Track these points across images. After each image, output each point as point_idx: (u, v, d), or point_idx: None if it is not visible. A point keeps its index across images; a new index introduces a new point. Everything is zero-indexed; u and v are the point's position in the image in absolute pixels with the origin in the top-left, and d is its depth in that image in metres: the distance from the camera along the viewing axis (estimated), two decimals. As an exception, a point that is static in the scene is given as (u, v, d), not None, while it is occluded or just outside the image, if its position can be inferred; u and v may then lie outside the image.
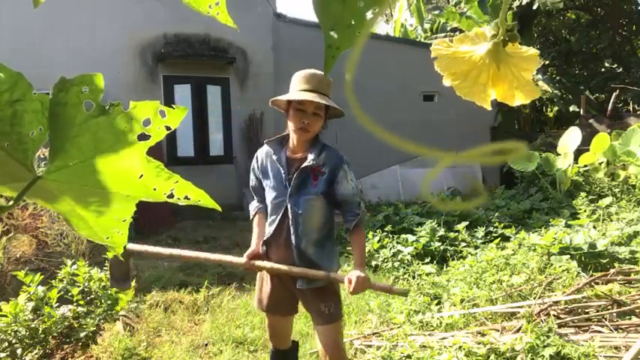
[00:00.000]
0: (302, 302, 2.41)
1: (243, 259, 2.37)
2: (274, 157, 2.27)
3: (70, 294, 3.26)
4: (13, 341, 2.93)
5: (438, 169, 0.42)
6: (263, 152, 2.37)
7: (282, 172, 2.23)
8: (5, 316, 2.93)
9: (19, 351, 2.90)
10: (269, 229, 2.31)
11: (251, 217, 2.49)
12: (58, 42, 7.77)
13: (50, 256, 4.49)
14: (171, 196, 0.42)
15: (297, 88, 2.23)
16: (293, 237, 2.23)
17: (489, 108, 0.47)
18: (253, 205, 2.48)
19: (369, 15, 0.38)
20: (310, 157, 2.18)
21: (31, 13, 7.05)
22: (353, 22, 0.36)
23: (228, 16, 0.48)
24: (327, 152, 2.23)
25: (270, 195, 2.28)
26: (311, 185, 2.20)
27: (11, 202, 0.40)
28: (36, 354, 2.93)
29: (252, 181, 2.44)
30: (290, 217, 2.21)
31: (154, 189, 0.42)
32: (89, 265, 3.51)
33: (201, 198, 0.43)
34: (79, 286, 3.28)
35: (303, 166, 2.19)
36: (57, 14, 7.39)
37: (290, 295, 2.39)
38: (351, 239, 2.30)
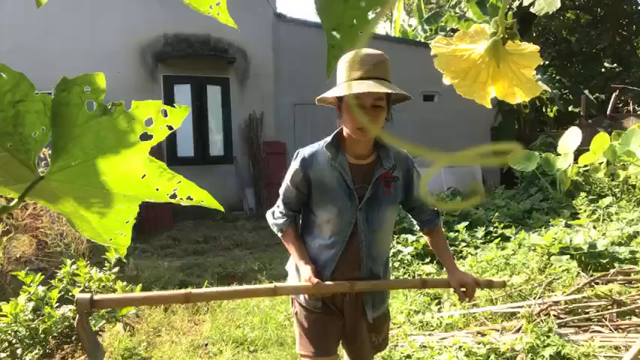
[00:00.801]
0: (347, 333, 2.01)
1: (307, 283, 1.82)
2: (334, 164, 1.83)
3: (70, 294, 3.26)
4: (13, 341, 2.93)
5: (434, 170, 0.42)
6: (317, 156, 1.88)
7: (348, 182, 1.82)
8: (5, 316, 2.93)
9: (19, 351, 2.90)
10: (329, 253, 1.86)
11: (279, 230, 1.98)
12: (58, 42, 7.77)
13: (50, 256, 4.49)
14: (174, 196, 0.42)
15: (348, 77, 1.74)
16: (364, 260, 1.85)
17: (489, 106, 0.47)
18: (281, 218, 1.96)
19: (371, 15, 0.38)
20: (384, 162, 1.83)
21: (31, 13, 7.05)
22: (355, 22, 0.36)
23: (228, 15, 0.48)
24: (394, 152, 1.88)
25: (327, 210, 1.83)
26: (384, 195, 1.84)
27: (13, 203, 0.40)
28: (36, 354, 2.93)
29: (288, 190, 1.92)
30: (361, 236, 1.83)
31: (157, 189, 0.42)
32: (89, 265, 3.50)
33: (204, 198, 0.43)
34: (79, 286, 3.27)
35: (377, 174, 1.83)
36: (57, 14, 7.39)
37: (343, 330, 1.98)
38: (435, 239, 2.02)
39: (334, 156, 1.84)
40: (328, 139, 1.89)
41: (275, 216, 2.00)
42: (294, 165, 1.91)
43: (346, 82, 1.74)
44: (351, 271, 1.86)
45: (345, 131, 1.85)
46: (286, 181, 1.95)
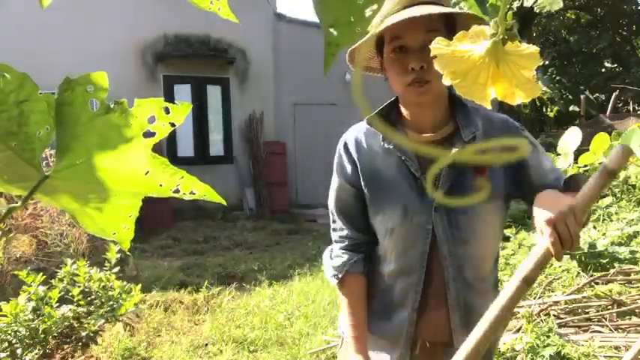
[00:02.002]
0: None
1: None
2: (388, 145, 1.22)
3: (70, 294, 3.26)
4: (13, 341, 2.93)
5: (439, 165, 0.43)
6: (364, 137, 1.28)
7: (412, 169, 1.21)
8: (5, 316, 2.93)
9: (19, 351, 2.90)
10: (404, 283, 1.26)
11: (332, 276, 1.33)
12: (58, 42, 7.77)
13: (50, 256, 4.49)
14: (177, 191, 0.43)
15: (389, 12, 1.10)
16: (452, 289, 1.23)
17: (489, 107, 0.47)
18: (339, 256, 1.32)
19: (368, 12, 0.38)
20: (464, 132, 1.18)
21: (31, 13, 7.05)
22: (352, 19, 0.37)
23: (229, 10, 0.48)
24: (482, 115, 1.22)
25: (387, 215, 1.23)
26: (473, 183, 1.18)
27: (20, 202, 0.41)
28: (36, 354, 2.94)
29: (339, 197, 1.32)
30: (443, 252, 1.21)
31: (160, 185, 0.42)
32: (89, 265, 3.51)
33: (206, 193, 0.43)
34: (79, 286, 3.28)
35: (454, 151, 1.15)
36: (57, 14, 7.39)
37: None
38: None
39: (386, 134, 1.21)
40: (376, 112, 1.25)
41: (333, 254, 1.34)
42: (336, 157, 1.32)
43: (385, 17, 1.09)
44: (437, 307, 1.24)
45: (400, 98, 1.25)
46: (332, 188, 1.33)
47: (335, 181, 1.32)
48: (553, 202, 0.96)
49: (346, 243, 1.32)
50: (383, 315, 1.30)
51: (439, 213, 1.20)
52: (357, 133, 1.30)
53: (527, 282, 0.76)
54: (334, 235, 1.35)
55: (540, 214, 0.96)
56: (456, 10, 1.12)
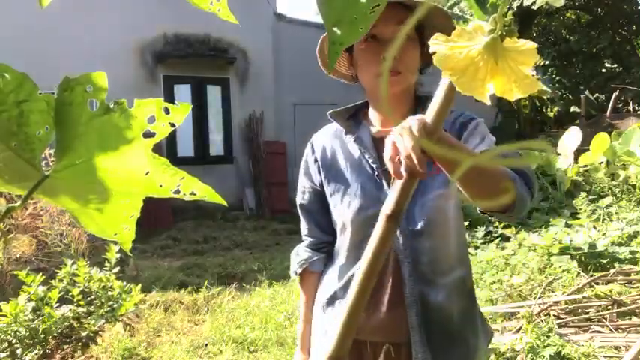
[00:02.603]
0: None
1: None
2: (349, 139, 1.26)
3: (70, 294, 3.26)
4: (13, 341, 2.93)
5: (460, 172, 0.43)
6: (326, 136, 1.32)
7: (370, 161, 1.22)
8: (5, 316, 2.93)
9: (19, 351, 2.90)
10: (346, 280, 1.23)
11: (293, 271, 1.38)
12: (58, 42, 7.78)
13: (50, 256, 4.50)
14: (177, 192, 0.43)
15: None
16: (408, 285, 1.17)
17: (488, 102, 0.48)
18: (300, 255, 1.37)
19: (371, 11, 0.38)
20: None
21: (31, 13, 7.05)
22: (356, 18, 0.37)
23: (229, 12, 0.49)
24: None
25: (347, 209, 1.22)
26: (429, 175, 1.12)
27: (19, 202, 0.41)
28: (36, 354, 2.94)
29: (304, 196, 1.34)
30: (398, 245, 1.18)
31: (161, 185, 0.42)
32: (89, 265, 3.51)
33: (207, 193, 0.43)
34: (79, 286, 3.28)
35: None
36: (57, 14, 7.39)
37: None
38: None
39: (350, 128, 1.26)
40: (342, 108, 1.29)
41: (298, 251, 1.39)
42: (305, 156, 1.35)
43: None
44: (385, 303, 1.18)
45: (367, 92, 1.26)
46: (298, 187, 1.36)
47: (300, 180, 1.36)
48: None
49: (309, 241, 1.36)
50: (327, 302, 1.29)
51: None
52: (324, 132, 1.34)
53: (393, 217, 0.64)
54: (302, 233, 1.39)
55: None
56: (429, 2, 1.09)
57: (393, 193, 0.63)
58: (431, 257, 1.18)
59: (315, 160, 1.30)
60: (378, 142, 1.23)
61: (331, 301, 1.26)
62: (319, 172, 1.29)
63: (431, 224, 1.17)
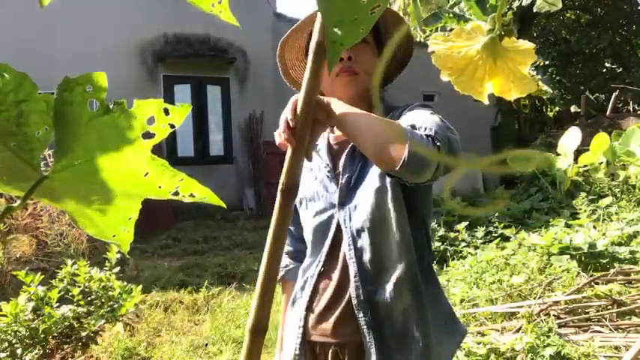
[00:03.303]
0: None
1: None
2: (316, 149, 1.29)
3: (70, 294, 3.26)
4: (13, 341, 2.93)
5: (457, 176, 0.43)
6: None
7: (324, 165, 1.25)
8: (5, 316, 2.93)
9: (19, 351, 2.90)
10: (303, 283, 1.27)
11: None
12: (58, 42, 7.77)
13: (50, 256, 4.49)
14: (176, 193, 0.43)
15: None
16: (354, 284, 1.16)
17: (486, 102, 0.48)
18: (281, 262, 1.26)
19: (371, 12, 0.38)
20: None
21: (31, 13, 7.05)
22: (356, 18, 0.37)
23: (230, 13, 0.48)
24: (390, 109, 1.24)
25: (306, 213, 1.27)
26: (372, 169, 1.18)
27: (18, 202, 0.41)
28: (36, 354, 2.93)
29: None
30: (345, 245, 1.19)
31: (160, 187, 0.42)
32: (89, 265, 3.51)
33: (206, 195, 0.43)
34: (79, 286, 3.28)
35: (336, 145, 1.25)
36: (57, 14, 7.39)
37: None
38: None
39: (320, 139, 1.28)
40: None
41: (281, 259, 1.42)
42: None
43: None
44: (343, 308, 1.18)
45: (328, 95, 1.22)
46: None
47: None
48: None
49: (287, 249, 1.35)
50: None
51: (344, 205, 1.20)
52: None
53: (286, 191, 0.64)
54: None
55: None
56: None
57: (284, 169, 0.67)
58: (374, 255, 1.17)
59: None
60: (333, 147, 1.28)
61: (293, 301, 1.30)
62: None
63: (370, 221, 1.16)
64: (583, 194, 6.67)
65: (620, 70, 14.86)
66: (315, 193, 1.25)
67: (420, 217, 1.21)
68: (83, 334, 3.16)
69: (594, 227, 5.50)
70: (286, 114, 0.90)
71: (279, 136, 0.92)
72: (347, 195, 1.20)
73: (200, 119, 8.95)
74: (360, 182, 1.19)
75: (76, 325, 3.21)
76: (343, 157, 1.23)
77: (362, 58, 1.17)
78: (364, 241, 1.17)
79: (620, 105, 14.11)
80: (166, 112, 0.42)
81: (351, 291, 1.16)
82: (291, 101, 0.91)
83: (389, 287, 1.15)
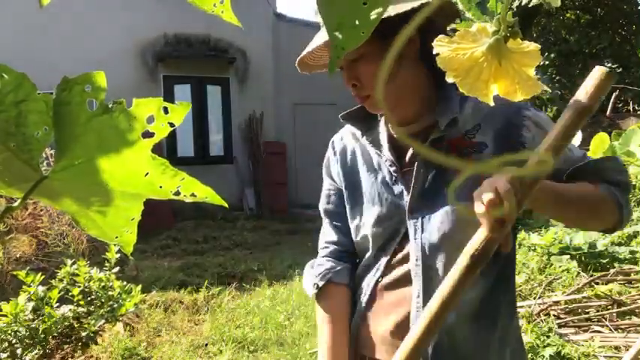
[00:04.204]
0: None
1: None
2: (365, 140, 1.12)
3: (70, 294, 3.26)
4: (13, 341, 2.93)
5: (460, 180, 0.43)
6: (346, 135, 1.21)
7: (387, 164, 1.08)
8: (5, 316, 2.93)
9: (19, 351, 2.90)
10: (364, 295, 1.11)
11: (313, 289, 1.15)
12: (58, 42, 7.77)
13: (50, 256, 4.49)
14: (177, 193, 0.43)
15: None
16: (415, 303, 1.02)
17: (492, 104, 0.48)
18: (320, 265, 1.17)
19: (372, 15, 0.38)
20: (441, 121, 1.00)
21: (31, 13, 7.05)
22: (357, 22, 0.37)
23: (232, 14, 0.48)
24: (476, 104, 1.02)
25: (365, 220, 1.10)
26: (452, 174, 1.00)
27: (17, 203, 0.40)
28: (36, 354, 2.93)
29: (329, 200, 1.22)
30: (414, 257, 1.03)
31: (160, 186, 0.42)
32: (89, 265, 3.51)
33: (207, 195, 0.43)
34: (79, 286, 3.28)
35: (431, 139, 1.01)
36: (57, 15, 7.39)
37: None
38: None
39: (367, 128, 1.12)
40: (356, 107, 1.14)
41: (315, 263, 1.20)
42: (326, 158, 1.25)
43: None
44: (400, 325, 1.04)
45: None
46: (324, 188, 1.24)
47: (324, 183, 1.24)
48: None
49: (330, 249, 1.19)
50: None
51: (414, 213, 1.03)
52: (344, 132, 1.22)
53: (473, 259, 0.64)
54: (320, 242, 1.23)
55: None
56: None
57: (479, 235, 0.64)
58: (443, 275, 0.97)
59: (336, 161, 1.20)
60: (395, 143, 1.09)
61: (348, 308, 1.15)
62: (340, 172, 1.18)
63: (448, 237, 1.00)
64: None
65: (620, 70, 14.85)
66: (376, 194, 1.09)
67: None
68: (83, 334, 3.16)
69: (594, 227, 5.48)
70: (507, 186, 0.71)
71: (490, 206, 0.72)
72: (419, 202, 1.03)
73: (200, 119, 8.95)
74: (436, 188, 1.02)
75: (76, 325, 3.21)
76: (410, 154, 1.06)
77: (365, 80, 1.02)
78: (437, 257, 1.01)
79: (620, 105, 14.10)
80: (166, 110, 0.42)
81: (412, 311, 1.01)
82: (496, 183, 0.73)
83: (456, 310, 0.98)
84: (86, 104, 0.41)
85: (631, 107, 13.94)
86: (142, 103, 0.42)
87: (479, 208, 0.74)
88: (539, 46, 0.47)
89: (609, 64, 15.63)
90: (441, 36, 0.47)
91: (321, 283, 1.13)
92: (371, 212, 1.08)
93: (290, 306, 4.15)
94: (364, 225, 1.10)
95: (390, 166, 1.07)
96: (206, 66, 8.88)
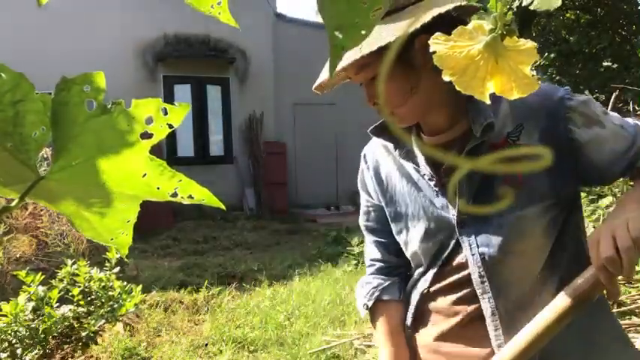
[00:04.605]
0: None
1: None
2: (398, 153, 1.06)
3: (70, 294, 3.26)
4: (13, 341, 2.93)
5: (457, 177, 0.42)
6: (378, 147, 1.14)
7: (427, 177, 1.03)
8: (5, 316, 2.93)
9: (19, 351, 2.90)
10: (412, 306, 1.10)
11: (363, 309, 1.15)
12: (58, 42, 7.77)
13: (50, 256, 4.49)
14: (174, 195, 0.42)
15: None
16: (493, 324, 0.96)
17: (488, 102, 0.47)
18: (369, 283, 1.15)
19: (373, 14, 0.38)
20: (475, 126, 0.94)
21: (31, 13, 7.05)
22: (357, 22, 0.36)
23: (230, 15, 0.48)
24: (512, 102, 0.93)
25: (412, 236, 1.06)
26: (502, 186, 0.95)
27: (14, 203, 0.40)
28: (36, 354, 2.93)
29: (369, 216, 1.17)
30: (477, 272, 0.97)
31: (158, 188, 0.42)
32: (89, 265, 3.50)
33: (205, 197, 0.43)
34: (79, 286, 3.27)
35: (469, 148, 0.95)
36: (57, 14, 7.39)
37: None
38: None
39: (397, 140, 1.05)
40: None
41: (364, 281, 1.17)
42: (359, 171, 1.19)
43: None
44: (476, 349, 0.98)
45: None
46: (362, 204, 1.19)
47: (361, 198, 1.18)
48: (615, 213, 0.82)
49: (376, 267, 1.16)
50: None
51: (465, 229, 0.98)
52: (374, 144, 1.15)
53: (578, 299, 0.65)
54: (365, 259, 1.20)
55: (595, 231, 0.81)
56: (387, 36, 0.86)
57: (586, 276, 0.64)
58: (513, 288, 0.96)
59: (371, 176, 1.14)
60: (430, 153, 1.06)
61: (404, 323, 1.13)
62: (377, 189, 1.13)
63: (511, 252, 0.95)
64: (583, 194, 6.66)
65: (620, 70, 14.86)
66: (420, 209, 1.04)
67: (576, 237, 1.00)
68: (83, 334, 3.16)
69: (594, 227, 5.49)
70: (620, 234, 0.74)
71: (602, 270, 0.74)
72: (468, 214, 0.97)
73: (200, 119, 8.95)
74: (483, 198, 0.96)
75: (76, 325, 3.21)
76: (449, 166, 1.00)
77: (371, 91, 0.99)
78: (500, 271, 0.96)
79: (620, 105, 14.10)
80: (165, 111, 0.42)
81: (490, 332, 0.96)
82: (615, 233, 0.75)
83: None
84: (85, 104, 0.41)
85: (631, 107, 13.95)
86: (141, 104, 0.42)
87: (596, 260, 0.74)
88: (536, 44, 0.47)
89: (609, 64, 15.64)
90: (437, 34, 0.47)
91: (370, 303, 1.13)
92: (417, 228, 1.04)
93: (290, 306, 4.15)
94: (411, 241, 1.06)
95: (430, 179, 1.02)
96: (206, 66, 8.89)
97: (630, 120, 0.96)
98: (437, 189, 1.02)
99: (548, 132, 0.94)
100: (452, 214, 0.99)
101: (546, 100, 0.95)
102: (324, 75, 1.01)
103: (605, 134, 0.92)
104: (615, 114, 0.96)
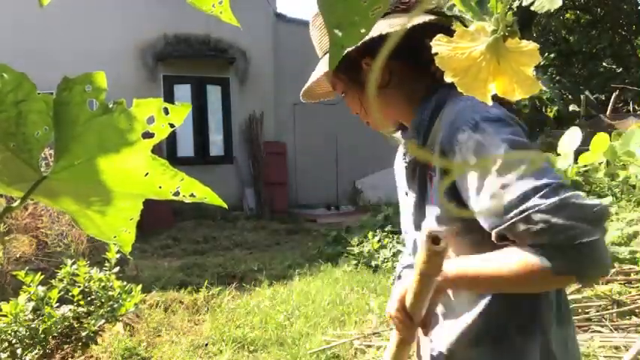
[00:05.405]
0: None
1: None
2: (403, 160, 1.14)
3: (70, 294, 3.26)
4: (13, 341, 2.93)
5: (449, 180, 0.43)
6: (398, 153, 1.21)
7: (405, 175, 1.11)
8: (5, 316, 2.93)
9: (19, 351, 2.90)
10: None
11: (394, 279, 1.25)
12: (59, 42, 7.77)
13: (50, 256, 4.49)
14: (176, 193, 0.43)
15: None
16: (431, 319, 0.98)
17: (490, 103, 0.48)
18: (400, 263, 1.26)
19: (372, 13, 0.38)
20: (405, 140, 1.11)
21: (31, 13, 7.05)
22: (356, 20, 0.37)
23: (231, 14, 0.48)
24: (444, 116, 0.95)
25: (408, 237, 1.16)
26: (430, 200, 1.01)
27: (17, 203, 0.40)
28: (36, 354, 2.93)
29: (401, 213, 1.23)
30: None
31: (160, 187, 0.42)
32: (89, 265, 3.50)
33: (206, 195, 0.43)
34: (79, 286, 3.27)
35: (407, 160, 1.08)
36: (57, 14, 7.39)
37: None
38: None
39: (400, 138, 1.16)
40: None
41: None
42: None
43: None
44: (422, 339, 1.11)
45: None
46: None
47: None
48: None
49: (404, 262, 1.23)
50: None
51: (418, 227, 1.04)
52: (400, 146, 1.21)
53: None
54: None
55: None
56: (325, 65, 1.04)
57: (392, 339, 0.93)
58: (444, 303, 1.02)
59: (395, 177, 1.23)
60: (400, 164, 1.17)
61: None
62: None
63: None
64: (583, 194, 6.66)
65: (620, 70, 14.86)
66: (405, 209, 1.13)
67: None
68: (83, 334, 3.16)
69: (594, 227, 5.48)
70: (395, 305, 0.93)
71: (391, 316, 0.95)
72: (418, 217, 1.04)
73: (200, 119, 8.95)
74: (423, 203, 1.02)
75: (76, 325, 3.21)
76: (404, 172, 1.10)
77: (357, 108, 1.10)
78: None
79: (620, 105, 14.11)
80: (166, 111, 0.42)
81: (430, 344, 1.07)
82: (399, 295, 0.92)
83: (457, 337, 1.00)
84: (86, 104, 0.41)
85: (631, 107, 13.94)
86: (143, 104, 0.42)
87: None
88: (538, 46, 0.47)
89: (609, 64, 15.64)
90: (439, 35, 0.47)
91: (399, 272, 1.26)
92: (402, 225, 1.17)
93: (290, 306, 4.15)
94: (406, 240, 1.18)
95: (405, 178, 1.11)
96: (206, 66, 8.89)
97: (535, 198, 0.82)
98: (407, 190, 1.12)
99: (441, 155, 0.91)
100: (411, 211, 1.08)
101: (448, 125, 0.92)
102: (312, 78, 1.10)
103: (474, 193, 0.83)
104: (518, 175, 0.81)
